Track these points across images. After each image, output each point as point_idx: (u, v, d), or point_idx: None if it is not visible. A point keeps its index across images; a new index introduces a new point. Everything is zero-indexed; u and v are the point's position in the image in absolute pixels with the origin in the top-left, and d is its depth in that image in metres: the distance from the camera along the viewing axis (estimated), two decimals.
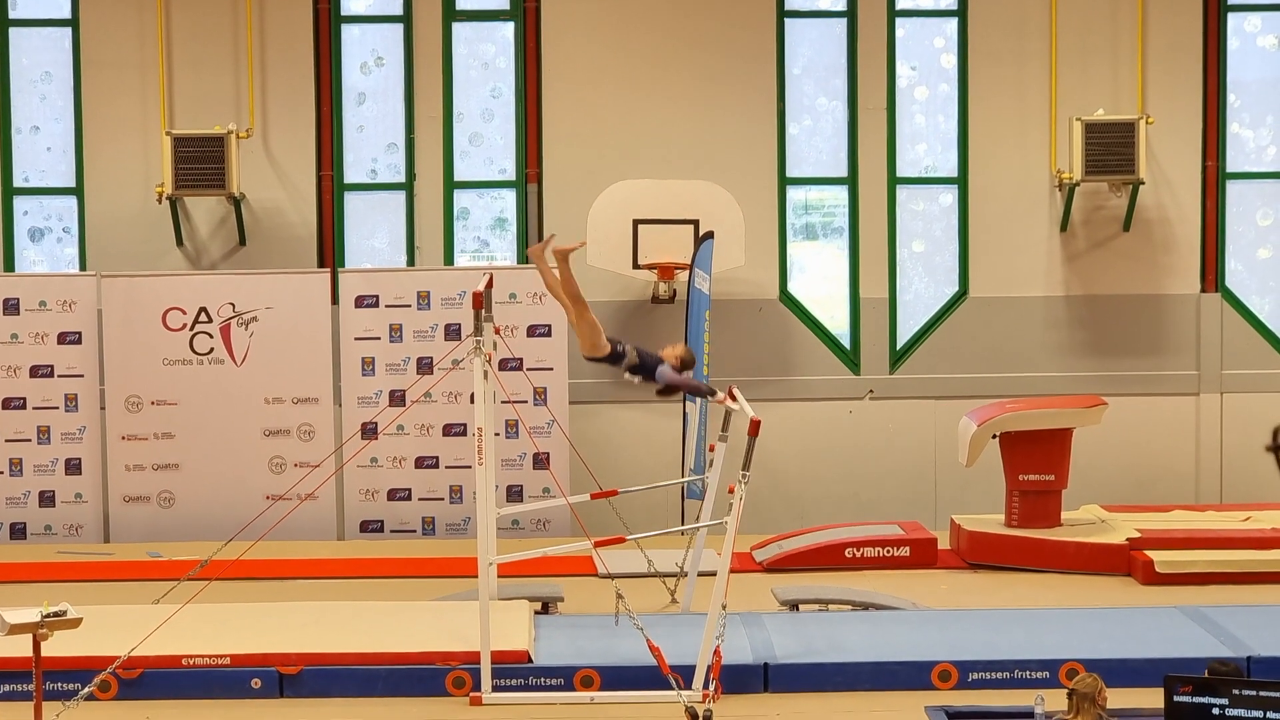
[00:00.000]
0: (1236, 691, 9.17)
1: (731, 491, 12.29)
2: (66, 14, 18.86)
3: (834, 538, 16.81)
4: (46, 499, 18.13)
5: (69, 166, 18.97)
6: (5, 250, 18.91)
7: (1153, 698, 9.79)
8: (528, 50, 18.90)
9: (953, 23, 19.11)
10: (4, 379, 18.06)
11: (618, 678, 12.38)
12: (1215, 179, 19.12)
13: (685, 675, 12.00)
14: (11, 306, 18.04)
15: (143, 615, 13.09)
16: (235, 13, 18.75)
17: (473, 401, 12.78)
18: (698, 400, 16.70)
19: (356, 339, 18.15)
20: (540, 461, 17.61)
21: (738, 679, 12.39)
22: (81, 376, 18.11)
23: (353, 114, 19.07)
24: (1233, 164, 19.21)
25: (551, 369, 17.99)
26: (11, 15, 18.88)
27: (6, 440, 18.08)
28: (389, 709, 12.24)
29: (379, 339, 18.11)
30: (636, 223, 18.00)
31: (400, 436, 17.95)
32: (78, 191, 18.92)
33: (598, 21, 18.93)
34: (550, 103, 18.90)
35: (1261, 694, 9.12)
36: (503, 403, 15.14)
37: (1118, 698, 10.20)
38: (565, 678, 12.45)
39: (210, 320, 18.06)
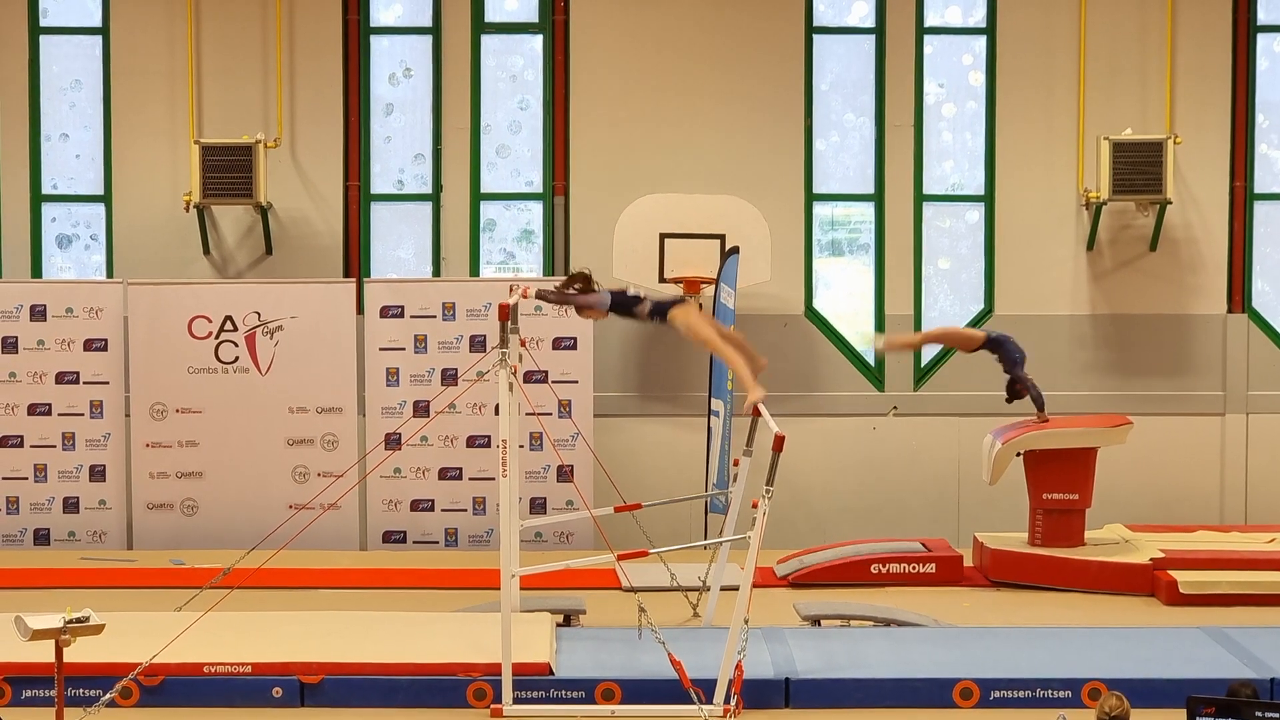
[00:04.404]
0: (1260, 714, 9.11)
1: (755, 506, 12.27)
2: (97, 22, 18.92)
3: (857, 554, 16.77)
4: (70, 505, 18.17)
5: (97, 174, 19.03)
6: (33, 257, 18.96)
7: (1175, 718, 9.76)
8: (556, 63, 18.92)
9: (981, 40, 19.10)
10: (30, 385, 18.11)
11: (639, 691, 12.35)
12: (1243, 199, 19.08)
13: (707, 689, 11.96)
14: (38, 313, 18.08)
15: (165, 622, 13.10)
16: (265, 23, 18.79)
17: (497, 413, 12.77)
18: (720, 413, 16.70)
19: (381, 349, 18.16)
20: (564, 474, 17.60)
21: (759, 694, 12.36)
22: (107, 383, 18.15)
23: (380, 124, 19.11)
24: (1261, 185, 19.17)
25: (576, 382, 17.99)
26: (43, 23, 18.94)
27: (32, 446, 18.13)
28: None
29: (404, 349, 18.12)
30: (663, 237, 17.98)
31: (424, 447, 17.96)
32: (106, 199, 18.97)
33: (626, 34, 18.93)
34: (578, 115, 18.91)
35: None
36: (527, 415, 15.13)
37: (1141, 718, 10.16)
38: (586, 690, 12.43)
39: (235, 329, 18.08)
